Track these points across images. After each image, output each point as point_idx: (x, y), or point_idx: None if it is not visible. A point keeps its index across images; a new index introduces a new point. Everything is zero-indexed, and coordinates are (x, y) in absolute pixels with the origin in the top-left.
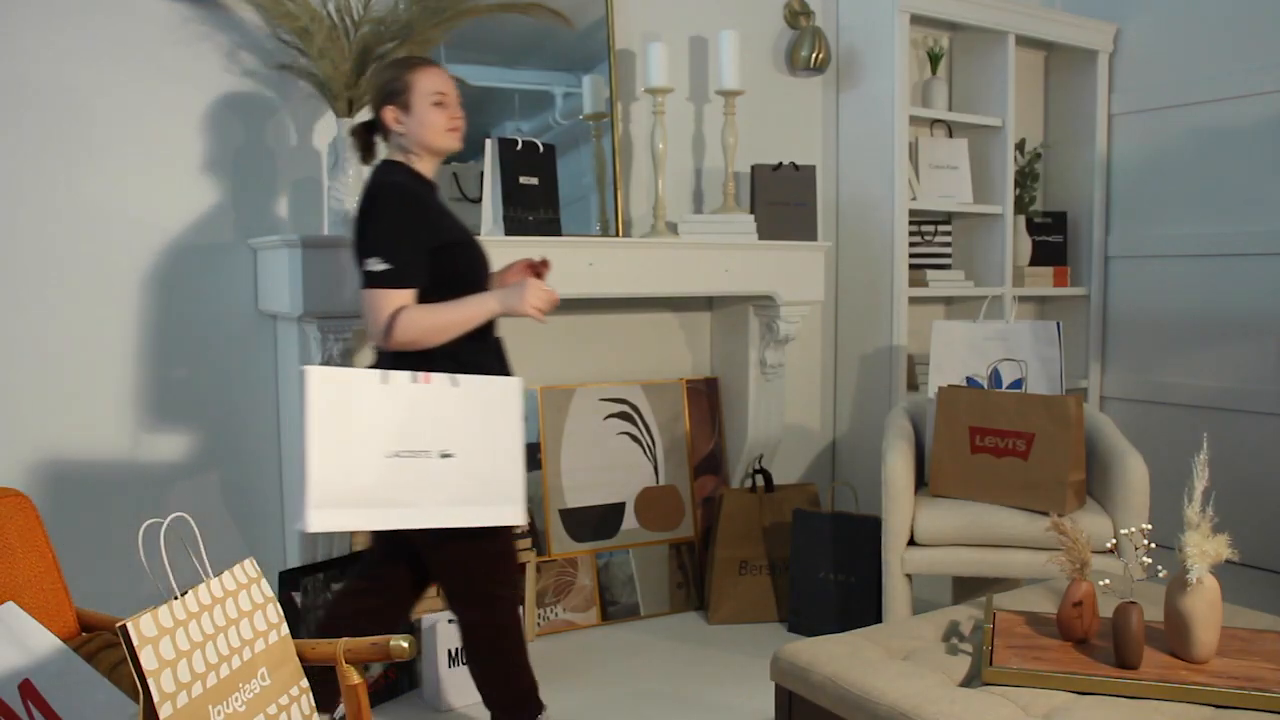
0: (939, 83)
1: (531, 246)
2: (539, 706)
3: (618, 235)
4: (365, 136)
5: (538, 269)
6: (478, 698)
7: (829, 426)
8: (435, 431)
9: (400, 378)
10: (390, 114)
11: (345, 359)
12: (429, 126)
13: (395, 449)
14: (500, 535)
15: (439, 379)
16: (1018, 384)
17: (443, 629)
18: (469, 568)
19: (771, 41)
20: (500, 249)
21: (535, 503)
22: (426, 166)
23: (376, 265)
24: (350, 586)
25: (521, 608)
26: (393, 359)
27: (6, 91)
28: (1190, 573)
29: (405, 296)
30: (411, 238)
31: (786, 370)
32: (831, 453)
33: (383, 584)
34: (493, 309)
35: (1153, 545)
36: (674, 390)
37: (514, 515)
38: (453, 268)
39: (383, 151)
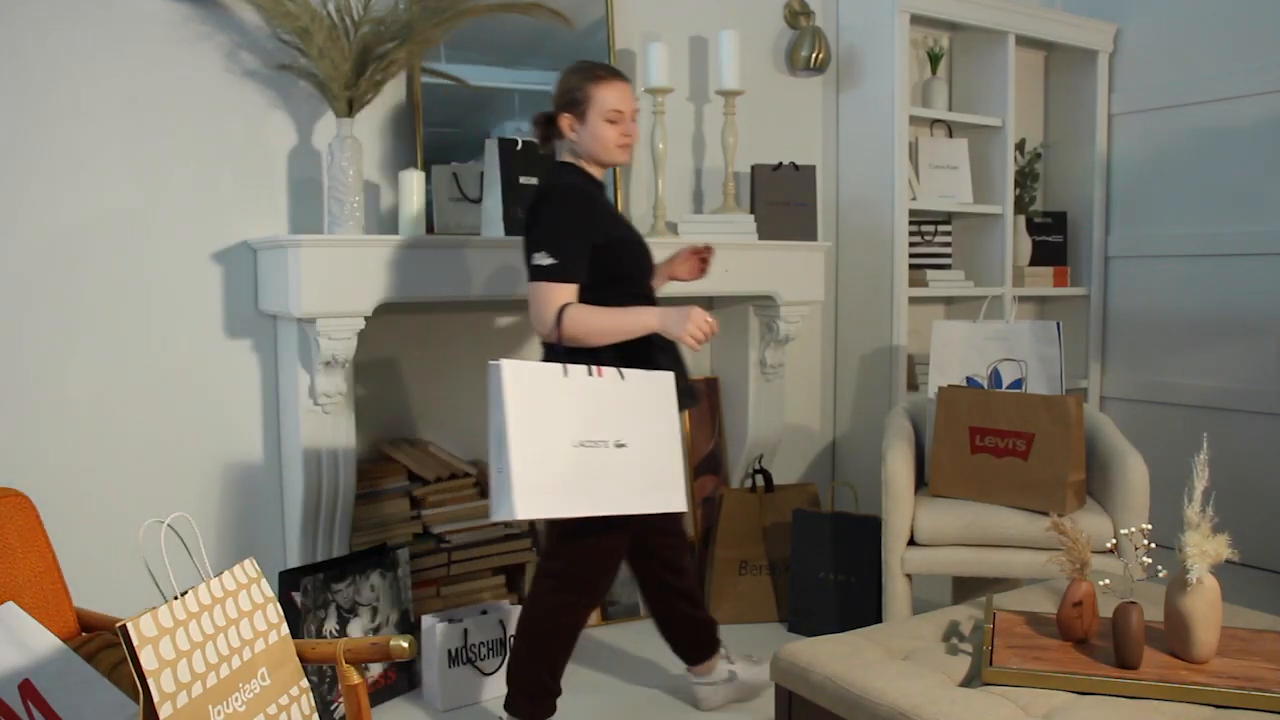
0: (939, 83)
1: None
2: (548, 709)
3: None
4: (545, 128)
5: (702, 254)
6: (477, 698)
7: (829, 426)
8: (610, 422)
9: (578, 371)
10: (566, 121)
11: (345, 358)
12: (599, 140)
13: (580, 438)
14: (618, 538)
15: (609, 372)
16: (1018, 384)
17: (442, 629)
18: (579, 559)
19: (771, 41)
20: (500, 249)
21: None
22: (596, 171)
23: (543, 259)
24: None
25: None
26: (566, 353)
27: (4, 91)
28: (1190, 573)
29: (569, 291)
30: (577, 235)
31: (786, 370)
32: (831, 453)
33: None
34: (651, 326)
35: (1153, 545)
36: None
37: (679, 502)
38: (618, 265)
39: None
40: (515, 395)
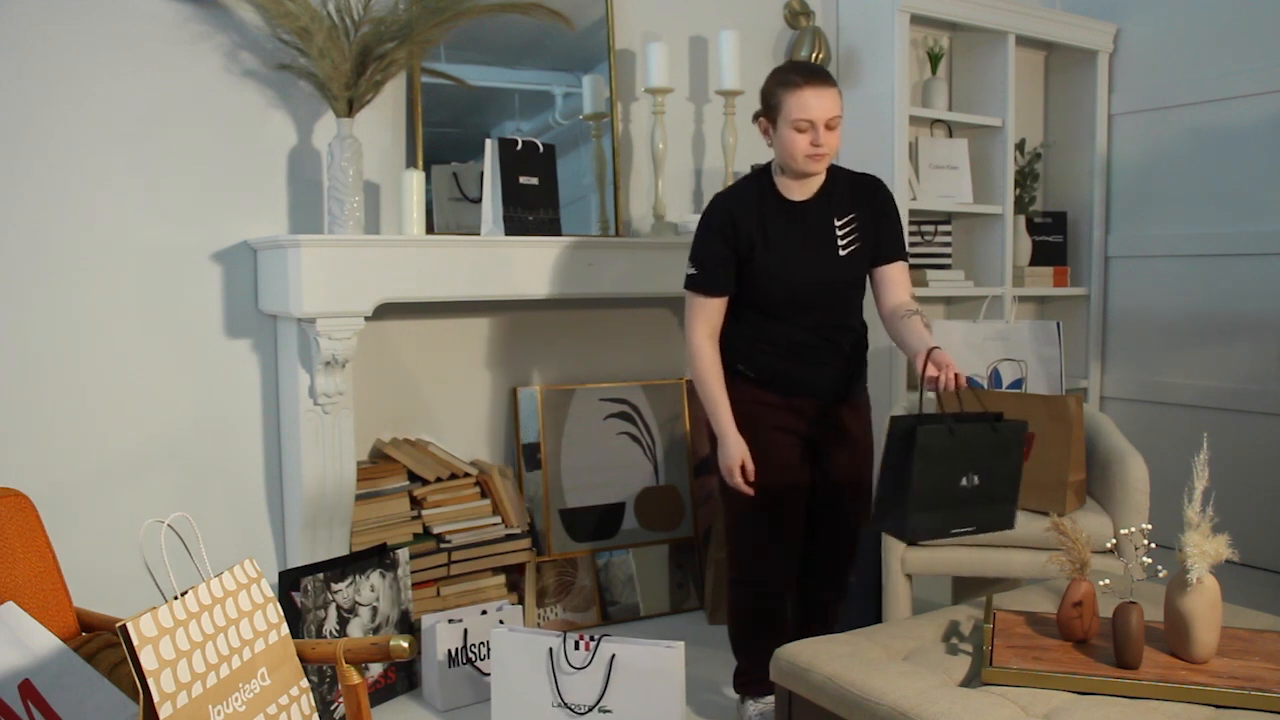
0: (939, 83)
1: (531, 246)
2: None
3: (618, 235)
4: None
5: (942, 378)
6: (476, 698)
7: None
8: (595, 690)
9: (564, 645)
10: (762, 124)
11: (345, 358)
12: (786, 149)
13: (556, 701)
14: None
15: (602, 648)
16: (1018, 384)
17: (442, 629)
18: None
19: (771, 41)
20: (500, 249)
21: (535, 503)
22: (786, 180)
23: (689, 269)
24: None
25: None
26: (735, 347)
27: (4, 91)
28: (1190, 573)
29: (709, 303)
30: (714, 251)
31: None
32: None
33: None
34: (719, 429)
35: (1153, 545)
36: (674, 390)
37: None
38: (750, 289)
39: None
40: (499, 662)
